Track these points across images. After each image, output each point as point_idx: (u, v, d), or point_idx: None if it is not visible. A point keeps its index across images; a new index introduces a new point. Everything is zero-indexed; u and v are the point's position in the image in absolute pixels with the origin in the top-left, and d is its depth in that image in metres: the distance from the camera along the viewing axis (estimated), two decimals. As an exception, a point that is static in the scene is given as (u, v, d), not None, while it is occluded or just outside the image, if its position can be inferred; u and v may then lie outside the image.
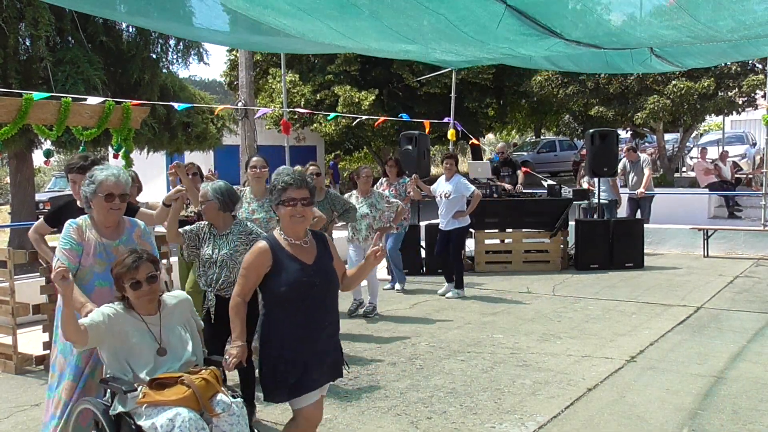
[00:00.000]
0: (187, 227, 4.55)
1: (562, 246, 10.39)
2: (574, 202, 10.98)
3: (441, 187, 8.57)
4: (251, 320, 3.44)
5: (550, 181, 11.28)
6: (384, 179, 8.89)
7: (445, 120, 12.71)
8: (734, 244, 11.57)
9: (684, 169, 24.46)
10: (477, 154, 26.41)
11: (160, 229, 4.87)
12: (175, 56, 13.90)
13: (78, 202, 4.40)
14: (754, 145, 22.93)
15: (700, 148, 19.24)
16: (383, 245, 3.39)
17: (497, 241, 10.76)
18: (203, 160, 21.02)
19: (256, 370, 3.68)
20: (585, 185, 12.15)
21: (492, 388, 5.14)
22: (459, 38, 7.68)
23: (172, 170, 5.16)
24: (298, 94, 22.32)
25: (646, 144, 26.78)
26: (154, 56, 13.29)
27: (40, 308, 5.81)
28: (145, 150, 13.74)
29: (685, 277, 9.47)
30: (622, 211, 12.41)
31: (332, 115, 13.73)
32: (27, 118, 6.54)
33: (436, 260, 9.53)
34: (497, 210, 10.45)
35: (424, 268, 10.17)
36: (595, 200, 11.10)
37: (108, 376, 3.28)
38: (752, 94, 19.67)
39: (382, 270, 9.63)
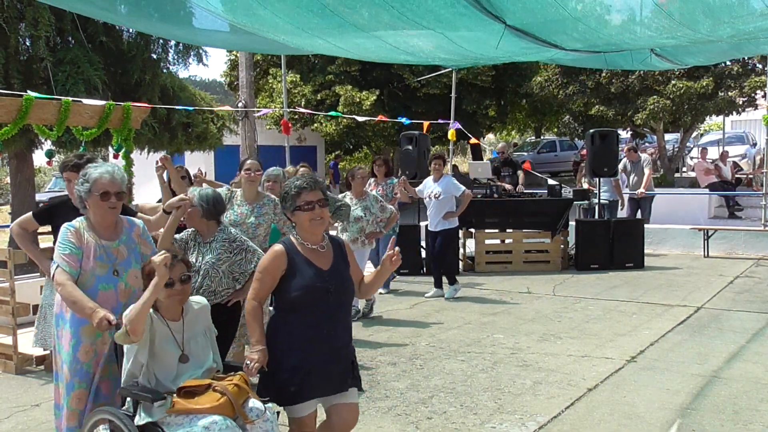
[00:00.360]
0: (178, 236, 4.43)
1: (562, 246, 10.39)
2: (575, 202, 10.99)
3: (429, 188, 8.49)
4: (233, 325, 3.41)
5: (552, 181, 11.27)
6: (372, 179, 8.80)
7: (444, 121, 12.71)
8: (734, 245, 11.57)
9: (684, 169, 24.45)
10: (477, 154, 26.41)
11: None
12: (175, 57, 13.89)
13: (73, 201, 4.29)
14: (755, 145, 22.91)
15: (700, 148, 19.23)
16: (398, 250, 3.33)
17: (497, 241, 10.76)
18: (204, 160, 21.06)
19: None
20: (585, 185, 12.15)
21: (492, 388, 5.14)
22: (459, 52, 7.76)
23: (159, 163, 5.03)
24: (299, 95, 22.33)
25: (647, 144, 26.78)
26: (155, 57, 13.28)
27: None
28: (146, 150, 13.73)
29: (686, 278, 9.47)
30: (623, 211, 12.40)
31: (334, 113, 13.73)
32: (27, 118, 6.53)
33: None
34: (498, 210, 10.45)
35: (424, 269, 10.17)
36: (596, 200, 11.10)
37: (131, 384, 3.14)
38: (752, 95, 19.67)
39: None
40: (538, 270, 10.21)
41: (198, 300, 3.44)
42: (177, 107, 10.60)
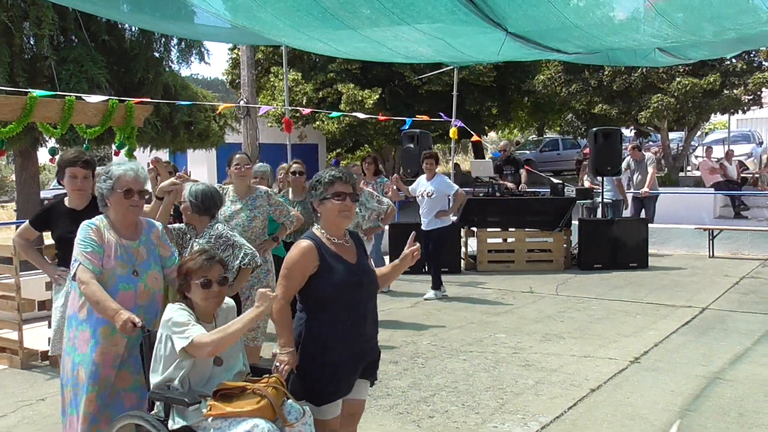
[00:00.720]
0: (177, 225, 4.45)
1: (565, 245, 10.37)
2: (578, 201, 10.96)
3: (422, 187, 8.42)
4: None
5: (554, 180, 11.24)
6: (362, 178, 8.67)
7: (446, 119, 12.68)
8: (740, 245, 11.54)
9: (689, 168, 24.38)
10: (479, 152, 26.36)
11: None
12: (177, 55, 13.90)
13: (66, 202, 4.27)
14: (761, 143, 22.85)
15: (705, 147, 19.20)
16: (419, 245, 3.28)
17: (500, 240, 10.74)
18: (206, 158, 21.06)
19: None
20: (587, 184, 12.13)
21: (494, 388, 5.13)
22: (459, 56, 7.76)
23: (151, 165, 4.99)
24: (300, 93, 22.31)
25: (651, 143, 26.72)
26: (157, 55, 13.29)
27: (45, 304, 5.84)
28: (148, 148, 13.74)
29: (690, 278, 9.44)
30: (627, 211, 12.37)
31: (335, 113, 13.74)
32: (32, 116, 6.54)
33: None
34: (500, 209, 10.43)
35: (426, 267, 10.14)
36: (599, 199, 11.07)
37: (162, 388, 3.02)
38: (758, 93, 19.57)
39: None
40: (541, 269, 10.19)
41: (226, 301, 3.32)
42: (179, 102, 10.59)
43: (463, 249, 10.44)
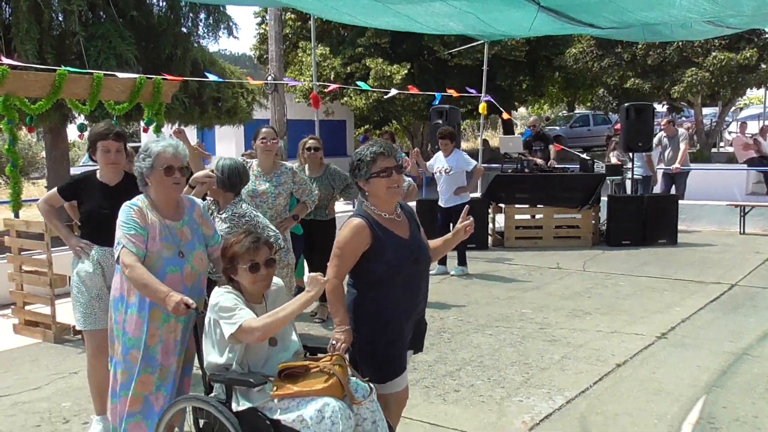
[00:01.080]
0: (201, 202, 4.43)
1: (593, 222, 10.27)
2: (607, 178, 10.82)
3: (439, 163, 8.23)
4: None
5: (584, 156, 11.09)
6: None
7: (475, 94, 12.57)
8: (772, 221, 11.31)
9: (722, 144, 23.91)
10: (509, 128, 26.13)
11: None
12: (205, 30, 13.93)
13: (98, 175, 4.09)
14: (797, 119, 22.25)
15: (739, 123, 18.75)
16: (472, 220, 3.26)
17: (527, 217, 10.67)
18: (234, 134, 21.19)
19: None
20: (614, 160, 11.96)
21: (520, 363, 5.13)
22: (489, 32, 7.64)
23: (174, 136, 4.69)
24: (328, 68, 22.24)
25: (683, 118, 26.24)
26: (185, 31, 13.34)
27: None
28: (177, 124, 13.86)
29: (720, 255, 9.30)
30: (657, 187, 12.20)
31: (363, 85, 13.68)
32: (61, 93, 6.63)
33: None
34: (528, 185, 10.34)
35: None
36: (628, 175, 10.92)
37: (223, 370, 2.94)
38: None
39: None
40: (569, 246, 10.11)
41: (274, 281, 3.20)
42: (206, 79, 10.65)
43: (490, 225, 10.39)
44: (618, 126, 13.77)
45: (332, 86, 13.18)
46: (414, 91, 12.97)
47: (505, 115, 17.24)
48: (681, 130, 12.44)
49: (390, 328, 3.07)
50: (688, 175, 12.18)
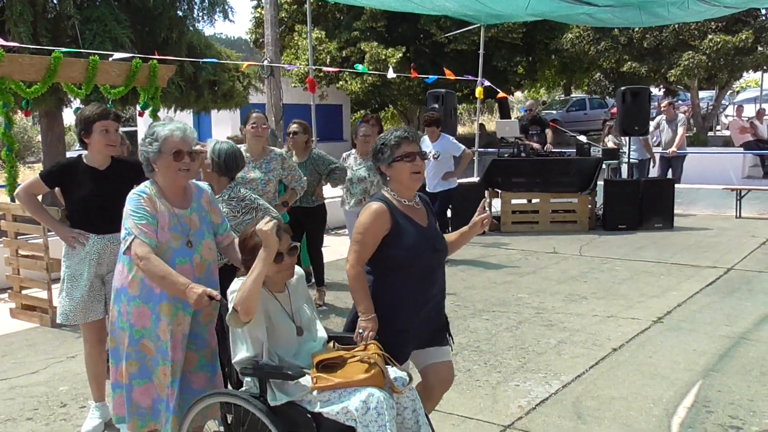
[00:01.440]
0: None
1: (589, 206, 10.29)
2: (604, 162, 10.82)
3: (426, 148, 7.94)
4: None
5: (582, 138, 11.08)
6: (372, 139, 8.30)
7: (472, 78, 12.53)
8: (768, 205, 11.35)
9: (718, 127, 23.90)
10: (505, 110, 26.06)
11: None
12: (200, 14, 13.81)
13: (85, 160, 3.85)
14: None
15: (735, 106, 18.76)
16: (489, 213, 3.29)
17: (524, 201, 10.68)
18: (230, 118, 21.10)
19: None
20: (610, 144, 11.96)
21: (516, 347, 5.16)
22: (485, 12, 7.56)
23: None
24: (324, 51, 22.13)
25: (680, 102, 26.20)
26: (181, 14, 13.23)
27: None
28: (172, 108, 13.79)
29: (716, 238, 9.33)
30: (654, 170, 12.21)
31: (363, 68, 13.61)
32: (56, 76, 6.59)
33: (457, 221, 9.44)
34: (525, 170, 10.34)
35: (450, 228, 10.15)
36: (624, 159, 10.92)
37: (253, 363, 2.81)
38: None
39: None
40: (565, 230, 10.14)
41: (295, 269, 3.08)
42: (202, 60, 10.59)
43: (487, 210, 10.39)
44: (614, 110, 13.75)
45: (330, 69, 13.12)
46: (413, 75, 12.92)
47: (501, 94, 17.16)
48: (680, 115, 12.45)
49: (400, 317, 3.03)
50: (685, 159, 12.20)
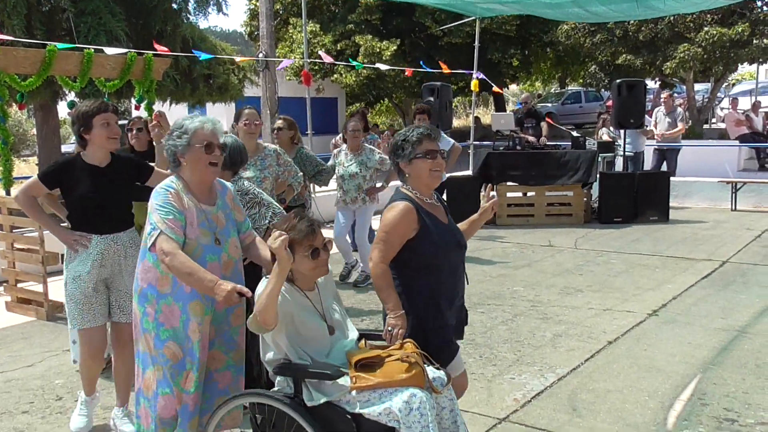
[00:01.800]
0: None
1: (585, 199, 10.30)
2: (600, 155, 10.83)
3: None
4: (253, 285, 2.91)
5: (575, 133, 11.09)
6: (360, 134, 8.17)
7: (467, 71, 12.51)
8: (763, 198, 11.39)
9: (714, 120, 23.93)
10: (500, 104, 26.06)
11: None
12: (194, 7, 13.78)
13: (84, 157, 3.67)
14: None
15: (731, 99, 18.77)
16: (497, 198, 3.29)
17: (519, 194, 10.68)
18: (225, 111, 21.04)
19: None
20: (604, 137, 11.99)
21: (512, 340, 5.17)
22: (480, 7, 7.46)
23: (155, 120, 4.24)
24: (319, 44, 22.08)
25: (675, 95, 26.24)
26: (175, 7, 13.19)
27: (68, 257, 5.93)
28: (168, 102, 13.75)
29: (712, 231, 9.36)
30: (648, 164, 12.25)
31: (358, 65, 13.60)
32: (51, 69, 6.55)
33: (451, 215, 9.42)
34: (520, 163, 10.34)
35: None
36: (618, 152, 10.94)
37: (286, 362, 2.74)
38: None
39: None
40: (561, 223, 10.15)
41: None
42: (197, 53, 10.54)
43: (482, 203, 10.39)
44: (610, 103, 13.77)
45: (326, 59, 13.07)
46: (408, 72, 12.90)
47: (496, 89, 17.19)
48: (679, 109, 12.50)
49: (441, 315, 3.01)
50: (679, 152, 12.23)
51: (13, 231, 6.35)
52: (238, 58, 13.29)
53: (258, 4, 14.55)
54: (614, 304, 6.05)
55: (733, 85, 27.81)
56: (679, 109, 12.52)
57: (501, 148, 10.56)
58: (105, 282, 3.69)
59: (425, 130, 3.05)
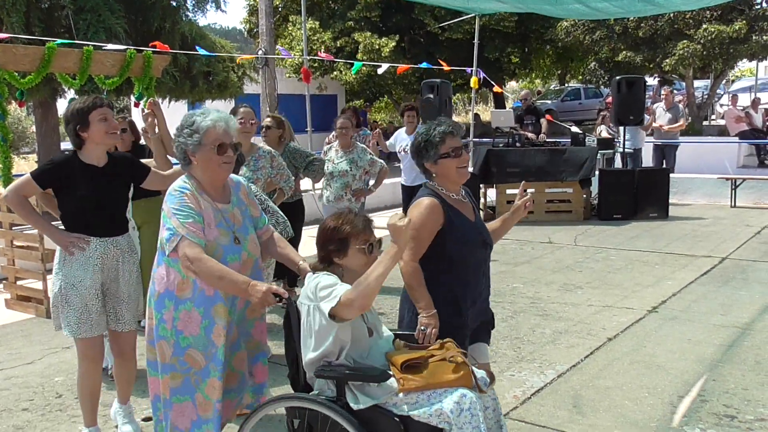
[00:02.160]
0: None
1: (585, 196, 10.30)
2: (599, 152, 10.84)
3: (402, 142, 7.82)
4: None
5: (575, 130, 11.09)
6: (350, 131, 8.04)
7: (468, 69, 12.50)
8: (763, 194, 11.39)
9: (713, 117, 23.93)
10: (500, 102, 26.04)
11: None
12: (193, 3, 13.77)
13: (81, 157, 3.47)
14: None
15: (731, 95, 18.79)
16: (531, 196, 3.27)
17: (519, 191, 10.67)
18: (224, 108, 21.02)
19: None
20: (604, 134, 11.99)
21: (512, 337, 5.17)
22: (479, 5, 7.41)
23: (148, 110, 4.09)
24: (318, 42, 22.05)
25: (675, 91, 26.24)
26: (174, 4, 13.17)
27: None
28: (167, 99, 13.74)
29: (711, 228, 9.36)
30: (648, 161, 12.25)
31: (357, 65, 13.59)
32: (50, 66, 6.55)
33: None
34: (519, 160, 10.34)
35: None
36: (618, 149, 10.94)
37: (326, 364, 2.65)
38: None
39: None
40: (560, 220, 10.15)
41: None
42: (196, 53, 10.56)
43: (482, 200, 10.41)
44: (609, 100, 13.79)
45: (327, 57, 13.08)
46: (400, 69, 12.88)
47: (497, 89, 17.20)
48: (679, 105, 12.52)
49: (461, 313, 3.00)
50: (677, 149, 12.24)
51: (13, 228, 6.35)
52: (238, 56, 13.28)
53: (257, 0, 14.54)
54: (614, 300, 6.06)
55: (733, 81, 27.82)
56: (680, 106, 12.54)
57: (501, 145, 10.55)
58: (104, 288, 3.52)
59: (446, 128, 3.02)
